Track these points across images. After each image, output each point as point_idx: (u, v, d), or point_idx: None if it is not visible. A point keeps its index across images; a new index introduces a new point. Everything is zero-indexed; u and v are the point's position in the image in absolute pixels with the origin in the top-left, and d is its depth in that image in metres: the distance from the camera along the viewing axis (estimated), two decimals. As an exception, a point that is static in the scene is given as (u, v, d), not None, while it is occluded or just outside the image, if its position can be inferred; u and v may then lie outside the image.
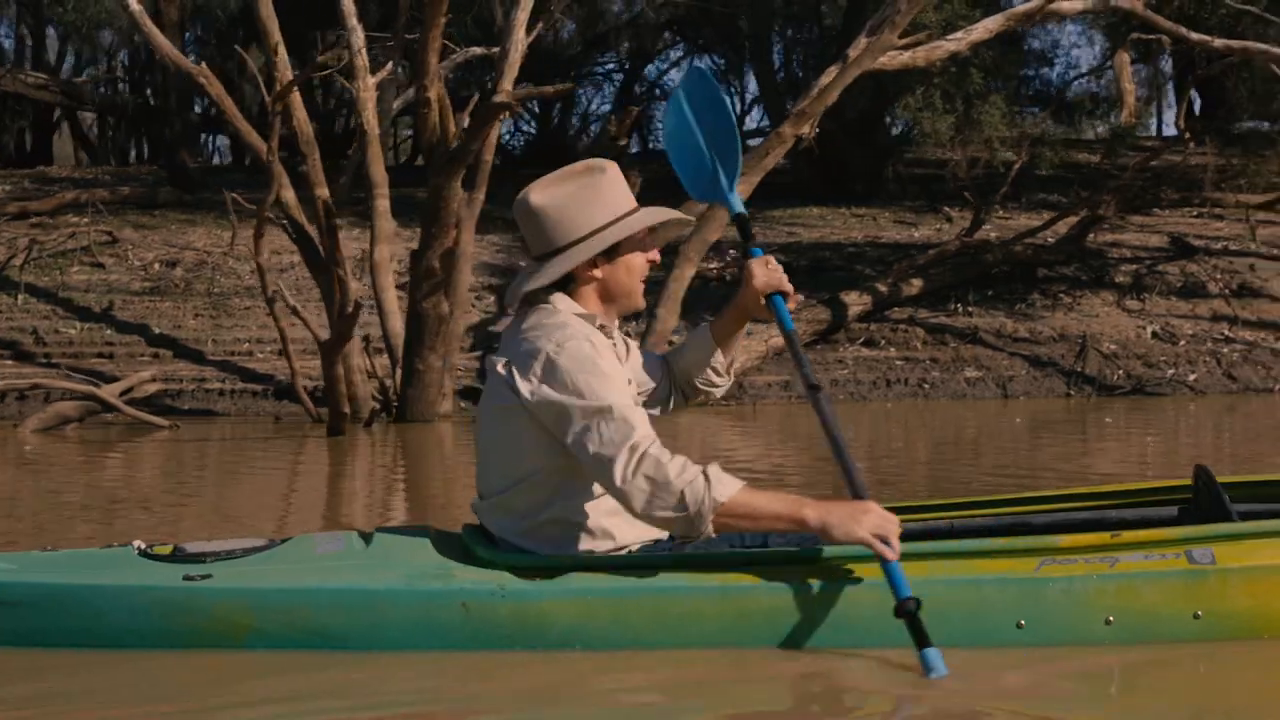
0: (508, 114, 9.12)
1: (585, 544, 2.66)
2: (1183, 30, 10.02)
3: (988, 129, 9.91)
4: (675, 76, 20.13)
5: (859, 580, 2.59)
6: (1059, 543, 2.62)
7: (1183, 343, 11.32)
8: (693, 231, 9.69)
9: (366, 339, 9.85)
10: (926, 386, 10.83)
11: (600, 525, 2.66)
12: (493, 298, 12.04)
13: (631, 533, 2.68)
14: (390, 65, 11.01)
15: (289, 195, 9.34)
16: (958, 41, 9.91)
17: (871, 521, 2.51)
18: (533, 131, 20.56)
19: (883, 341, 11.45)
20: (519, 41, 9.43)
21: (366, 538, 2.79)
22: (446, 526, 2.91)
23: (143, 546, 2.83)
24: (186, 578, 2.70)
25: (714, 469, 2.51)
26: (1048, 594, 2.57)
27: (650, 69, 20.34)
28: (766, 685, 2.49)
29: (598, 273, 2.68)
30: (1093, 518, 2.96)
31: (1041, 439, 8.13)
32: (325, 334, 8.70)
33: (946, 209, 13.19)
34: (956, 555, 2.63)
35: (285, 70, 9.20)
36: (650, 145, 19.55)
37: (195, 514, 5.19)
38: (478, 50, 11.77)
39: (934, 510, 3.06)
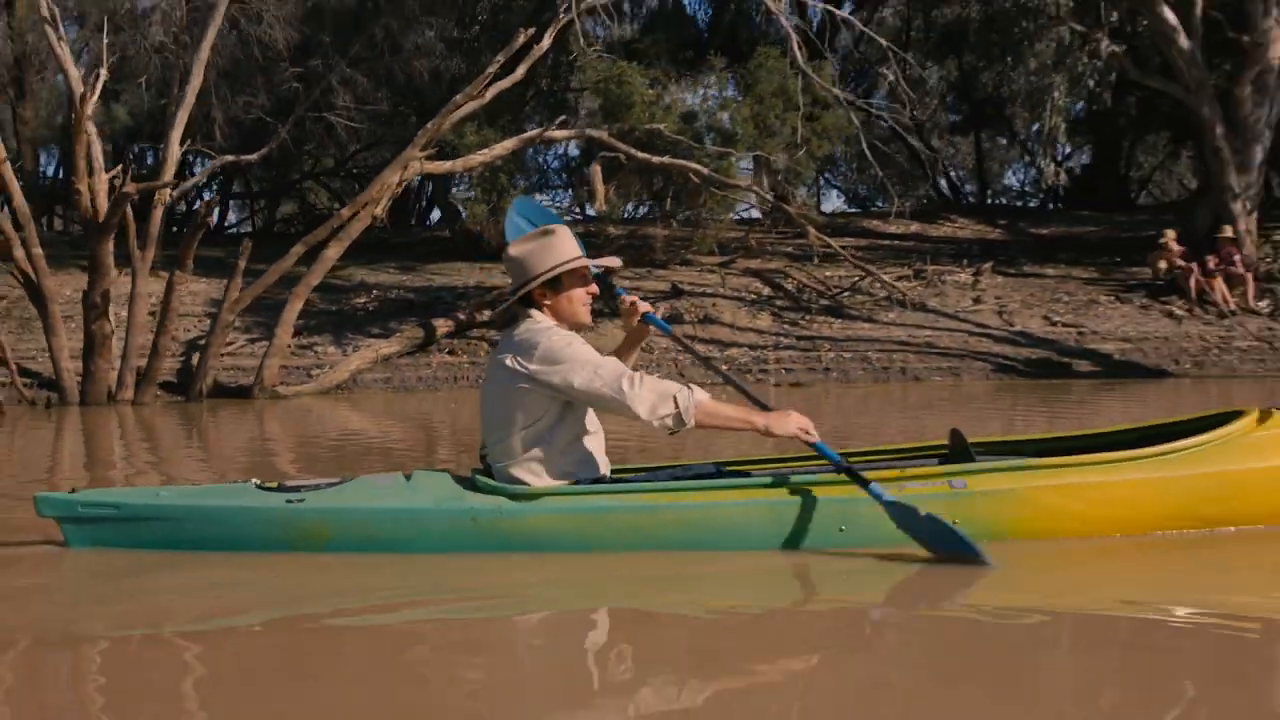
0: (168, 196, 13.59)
1: (556, 476, 3.54)
2: (634, 150, 15.34)
3: (511, 213, 14.98)
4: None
5: (751, 499, 3.46)
6: (867, 476, 3.47)
7: (655, 353, 16.67)
8: (306, 276, 14.39)
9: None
10: (482, 380, 15.60)
11: (566, 462, 3.57)
12: (207, 323, 16.46)
13: (586, 470, 3.58)
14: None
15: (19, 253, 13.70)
16: (485, 154, 15.02)
17: (796, 420, 3.41)
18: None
19: (459, 351, 16.52)
20: (173, 144, 13.35)
21: (408, 477, 3.63)
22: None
23: (258, 482, 3.65)
24: (288, 501, 3.52)
25: (691, 386, 3.39)
26: (861, 508, 3.46)
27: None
28: (682, 580, 3.30)
29: (549, 300, 3.57)
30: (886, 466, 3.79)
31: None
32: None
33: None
34: (811, 485, 3.50)
35: None
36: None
37: None
38: (229, 158, 15.84)
39: (772, 463, 3.99)
